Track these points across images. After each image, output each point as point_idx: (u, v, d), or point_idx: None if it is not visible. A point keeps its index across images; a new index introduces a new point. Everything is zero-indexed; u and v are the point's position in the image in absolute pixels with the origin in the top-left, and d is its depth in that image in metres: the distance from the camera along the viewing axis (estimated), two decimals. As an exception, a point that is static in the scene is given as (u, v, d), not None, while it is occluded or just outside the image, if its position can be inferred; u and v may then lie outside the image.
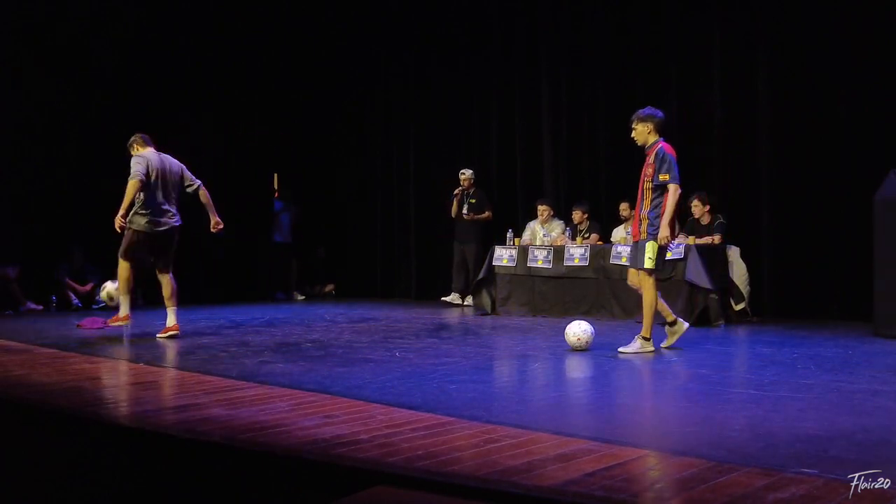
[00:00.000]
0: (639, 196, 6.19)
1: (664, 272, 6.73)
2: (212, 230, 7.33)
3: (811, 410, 3.99)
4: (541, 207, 9.90)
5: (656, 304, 6.09)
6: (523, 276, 9.19)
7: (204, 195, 7.31)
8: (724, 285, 8.26)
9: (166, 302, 7.17)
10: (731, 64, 9.23)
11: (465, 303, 10.61)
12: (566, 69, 10.65)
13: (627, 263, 6.41)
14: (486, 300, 9.54)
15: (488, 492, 2.67)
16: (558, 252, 8.91)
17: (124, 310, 7.15)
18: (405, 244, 12.47)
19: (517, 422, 3.67)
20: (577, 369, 5.57)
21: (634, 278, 6.17)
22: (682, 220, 8.88)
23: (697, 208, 8.69)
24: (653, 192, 6.02)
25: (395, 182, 12.54)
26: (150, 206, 6.97)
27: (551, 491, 2.66)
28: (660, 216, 5.96)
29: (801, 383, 4.71)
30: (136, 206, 6.96)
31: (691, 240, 8.26)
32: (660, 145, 6.06)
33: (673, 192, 5.95)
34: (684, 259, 7.91)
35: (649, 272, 6.04)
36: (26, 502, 3.91)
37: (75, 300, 10.44)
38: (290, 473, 3.10)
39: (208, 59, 11.79)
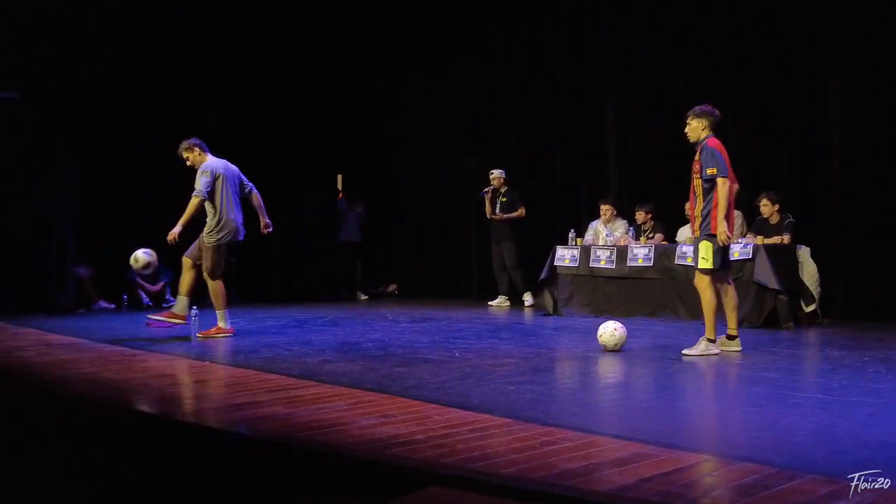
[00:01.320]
0: (691, 195, 6.12)
1: (730, 273, 6.55)
2: (262, 231, 7.50)
3: (880, 416, 3.86)
4: (604, 207, 9.77)
5: (713, 305, 5.95)
6: (586, 276, 9.10)
7: (256, 198, 7.49)
8: (794, 286, 8.03)
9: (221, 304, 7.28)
10: (802, 60, 9.00)
11: (520, 302, 10.53)
12: (631, 65, 10.52)
13: (692, 264, 6.29)
14: (547, 300, 9.47)
15: (543, 495, 2.65)
16: (622, 252, 8.80)
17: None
18: (467, 244, 12.47)
19: (576, 424, 3.64)
20: (639, 372, 5.48)
21: (700, 282, 6.06)
22: (750, 219, 8.69)
23: (766, 207, 8.48)
24: (703, 189, 5.92)
25: (457, 181, 12.54)
26: (225, 217, 7.08)
27: (608, 496, 2.62)
28: (712, 213, 5.86)
29: (871, 388, 4.56)
30: (213, 221, 7.05)
31: (759, 239, 8.06)
32: (707, 141, 5.96)
33: (721, 185, 5.83)
34: (752, 259, 7.73)
35: (704, 272, 5.92)
36: (93, 496, 4.02)
37: (146, 299, 10.73)
38: (346, 472, 3.12)
39: (270, 62, 11.98)
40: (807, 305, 8.15)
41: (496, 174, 10.75)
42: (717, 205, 5.84)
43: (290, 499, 3.23)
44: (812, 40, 8.92)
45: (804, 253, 8.26)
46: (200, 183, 7.02)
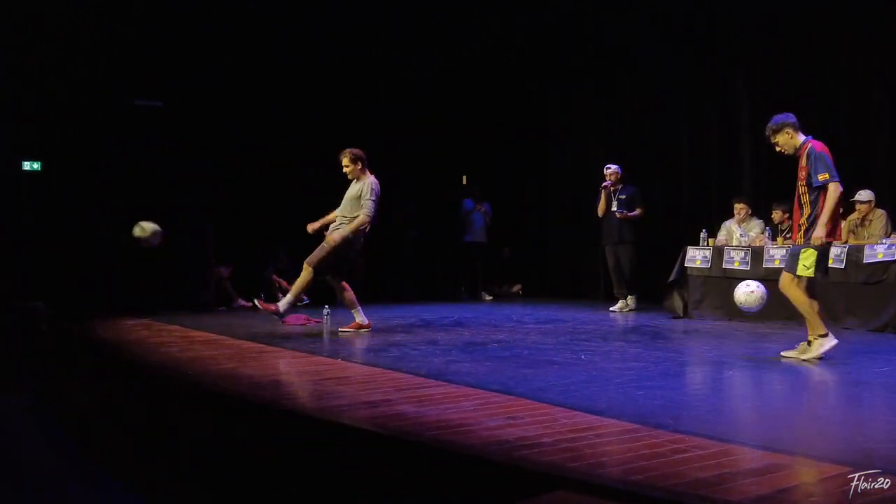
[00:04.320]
0: (795, 203, 5.81)
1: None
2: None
3: None
4: (738, 206, 9.43)
5: (808, 304, 5.67)
6: (718, 278, 8.84)
7: None
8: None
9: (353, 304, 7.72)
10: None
11: (630, 306, 10.20)
12: (765, 58, 10.18)
13: (781, 266, 5.99)
14: (677, 303, 9.26)
15: (674, 503, 2.60)
16: (757, 253, 8.50)
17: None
18: (593, 244, 12.32)
19: (707, 432, 3.54)
20: (775, 378, 5.29)
21: (785, 283, 5.77)
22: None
23: None
24: (810, 196, 5.62)
25: (582, 182, 12.43)
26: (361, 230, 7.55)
27: (741, 506, 2.56)
28: (819, 220, 5.55)
29: None
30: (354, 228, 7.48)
31: (907, 239, 7.65)
32: (809, 145, 5.67)
33: (833, 190, 5.52)
34: (898, 261, 7.34)
35: (802, 279, 5.64)
36: (233, 489, 4.21)
37: (305, 298, 11.21)
38: (474, 473, 3.15)
39: (392, 62, 12.22)
40: (957, 310, 7.65)
41: (612, 169, 10.25)
42: (823, 211, 5.53)
43: (420, 498, 3.30)
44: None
45: (955, 254, 7.76)
46: (370, 205, 7.46)
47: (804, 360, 5.67)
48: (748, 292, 6.57)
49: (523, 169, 13.38)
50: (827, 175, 5.55)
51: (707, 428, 3.67)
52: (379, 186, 7.55)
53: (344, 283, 7.70)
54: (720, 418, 4.13)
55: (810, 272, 5.63)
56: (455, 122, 12.84)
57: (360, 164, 7.60)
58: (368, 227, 7.60)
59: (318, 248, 7.53)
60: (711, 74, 10.83)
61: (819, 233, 5.57)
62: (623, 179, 10.27)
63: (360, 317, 7.69)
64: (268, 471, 4.01)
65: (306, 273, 7.53)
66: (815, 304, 5.77)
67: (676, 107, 11.25)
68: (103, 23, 10.17)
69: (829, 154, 5.64)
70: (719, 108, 10.73)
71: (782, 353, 5.85)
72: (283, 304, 7.61)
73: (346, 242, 7.47)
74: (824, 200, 5.58)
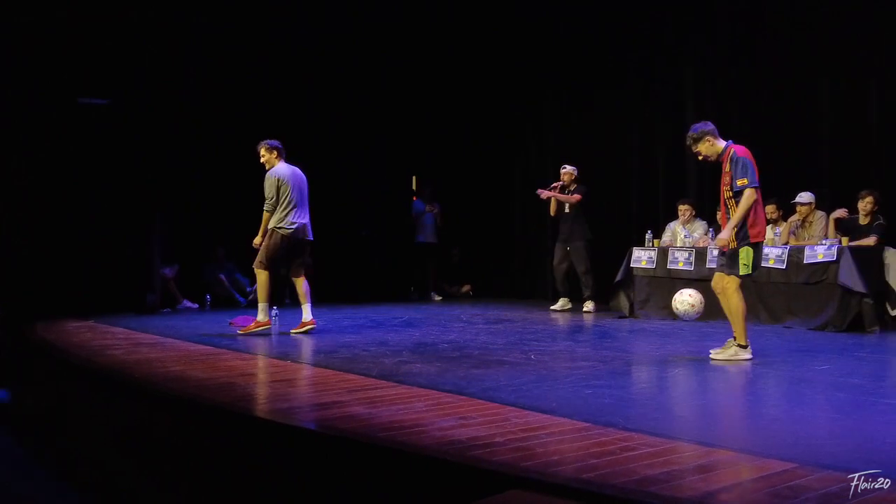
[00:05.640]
0: (722, 208, 5.95)
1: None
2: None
3: (975, 426, 3.74)
4: (682, 207, 9.60)
5: (743, 309, 5.80)
6: (663, 278, 9.00)
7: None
8: (880, 289, 7.81)
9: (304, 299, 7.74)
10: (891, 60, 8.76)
11: (571, 307, 10.15)
12: (710, 63, 10.38)
13: (715, 267, 6.13)
14: (623, 303, 9.40)
15: (624, 501, 2.65)
16: (700, 254, 8.67)
17: (264, 316, 7.65)
18: (542, 245, 12.44)
19: (655, 430, 3.62)
20: (718, 376, 5.41)
21: (718, 283, 5.90)
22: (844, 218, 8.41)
23: (866, 204, 8.16)
24: (736, 200, 5.73)
25: (534, 183, 12.51)
26: (286, 219, 7.54)
27: (690, 503, 2.61)
28: (748, 221, 5.68)
29: (964, 396, 4.41)
30: (275, 220, 7.54)
31: (844, 241, 7.86)
32: (731, 150, 5.81)
33: (748, 196, 5.64)
34: (837, 261, 7.55)
35: (739, 277, 5.77)
36: (177, 491, 4.17)
37: (242, 299, 11.12)
38: (427, 474, 3.17)
39: (345, 64, 12.17)
40: (893, 308, 7.90)
41: (568, 170, 10.24)
42: (739, 213, 5.64)
43: (374, 499, 3.30)
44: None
45: (891, 255, 8.00)
46: (268, 192, 7.55)
47: (713, 359, 5.80)
48: (687, 303, 6.60)
49: (473, 170, 13.42)
50: (745, 181, 5.67)
51: (655, 426, 3.74)
52: (279, 176, 7.56)
53: (296, 279, 7.76)
54: (667, 416, 4.21)
55: (749, 270, 5.75)
56: (407, 123, 12.83)
57: (272, 155, 7.70)
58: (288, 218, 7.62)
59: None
60: (658, 78, 10.99)
61: (724, 235, 5.70)
62: (576, 180, 10.24)
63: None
64: (219, 474, 3.97)
65: (259, 276, 7.62)
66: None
67: (626, 110, 11.40)
68: (45, 20, 9.93)
69: (751, 158, 5.76)
70: (666, 111, 10.90)
71: (711, 353, 5.96)
72: (260, 315, 7.65)
73: (270, 236, 7.58)
74: (742, 204, 5.69)
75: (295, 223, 7.57)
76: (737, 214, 5.68)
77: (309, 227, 7.74)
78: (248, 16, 11.14)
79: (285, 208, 7.54)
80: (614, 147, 11.50)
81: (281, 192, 7.54)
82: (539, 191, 10.36)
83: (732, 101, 10.13)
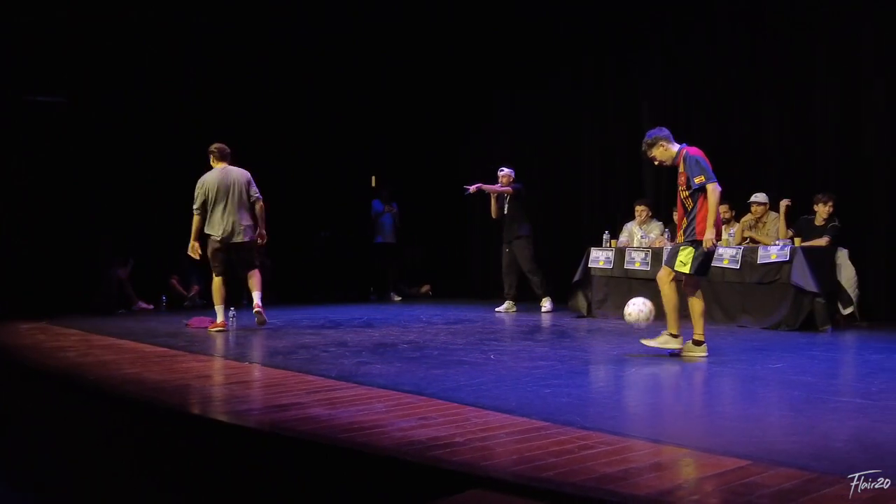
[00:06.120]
0: (679, 210, 6.04)
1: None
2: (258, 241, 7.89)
3: (923, 422, 3.83)
4: (639, 208, 9.71)
5: (676, 302, 5.95)
6: (620, 278, 9.08)
7: (259, 209, 7.82)
8: (832, 289, 7.97)
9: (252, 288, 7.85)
10: (841, 66, 8.95)
11: (537, 308, 9.99)
12: (666, 63, 10.51)
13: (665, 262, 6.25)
14: (581, 302, 9.47)
15: (583, 499, 2.67)
16: (657, 254, 8.76)
17: (221, 317, 7.71)
18: (500, 245, 12.46)
19: (613, 428, 3.65)
20: (675, 375, 5.48)
21: (661, 277, 6.02)
22: (794, 219, 8.56)
23: (821, 207, 8.33)
24: (693, 199, 5.82)
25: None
26: (212, 224, 7.64)
27: (647, 500, 2.64)
28: (697, 218, 5.78)
29: (912, 393, 4.52)
30: (206, 226, 7.70)
31: (797, 241, 8.01)
32: (684, 151, 5.92)
33: (712, 190, 5.72)
34: (790, 261, 7.69)
35: (680, 275, 5.89)
36: (135, 493, 4.11)
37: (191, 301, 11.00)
38: (388, 474, 3.17)
39: (306, 64, 12.10)
40: (844, 308, 8.08)
41: (505, 172, 9.98)
42: (709, 210, 5.72)
43: (334, 501, 3.29)
44: (856, 49, 8.88)
45: (842, 255, 8.18)
46: (196, 198, 7.72)
47: (644, 343, 6.05)
48: (638, 313, 6.63)
49: (429, 169, 13.43)
50: (703, 177, 5.75)
51: (612, 424, 3.78)
52: (204, 182, 7.69)
53: (248, 276, 7.84)
54: (624, 415, 4.26)
55: (686, 269, 5.84)
56: (365, 123, 12.81)
57: (212, 159, 7.81)
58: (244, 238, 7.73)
59: None
60: (614, 79, 11.11)
61: (710, 234, 5.76)
62: (515, 180, 10.02)
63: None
64: (177, 477, 3.93)
65: (213, 281, 7.74)
66: (701, 305, 6.00)
67: (582, 110, 11.50)
68: (45, 19, 9.76)
69: (704, 157, 5.84)
70: (621, 112, 11.02)
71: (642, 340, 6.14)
72: (219, 317, 7.75)
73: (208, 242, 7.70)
74: (704, 202, 5.77)
75: (222, 227, 7.61)
76: (710, 210, 5.72)
77: (242, 227, 7.69)
78: (202, 13, 11.02)
79: (211, 213, 7.63)
80: (571, 149, 11.59)
81: (206, 196, 7.60)
82: (465, 186, 10.02)
83: (682, 103, 10.27)
